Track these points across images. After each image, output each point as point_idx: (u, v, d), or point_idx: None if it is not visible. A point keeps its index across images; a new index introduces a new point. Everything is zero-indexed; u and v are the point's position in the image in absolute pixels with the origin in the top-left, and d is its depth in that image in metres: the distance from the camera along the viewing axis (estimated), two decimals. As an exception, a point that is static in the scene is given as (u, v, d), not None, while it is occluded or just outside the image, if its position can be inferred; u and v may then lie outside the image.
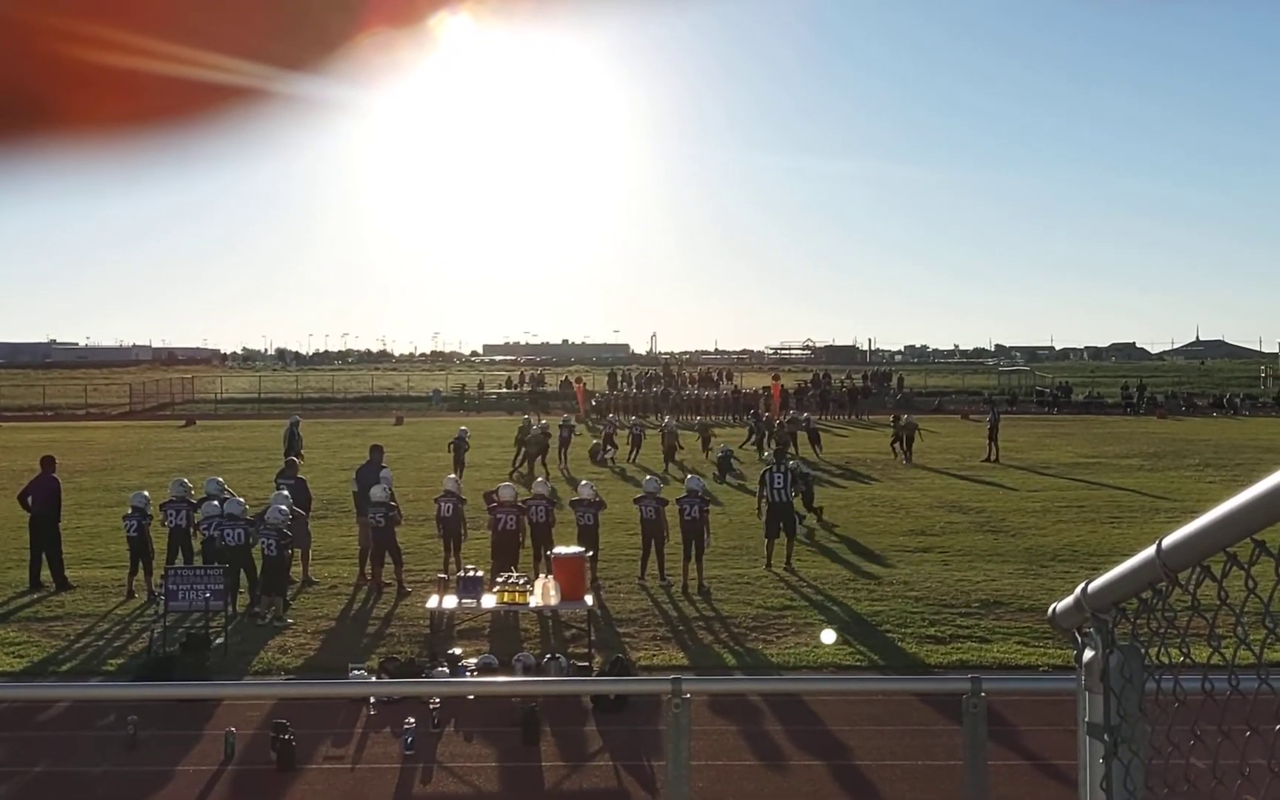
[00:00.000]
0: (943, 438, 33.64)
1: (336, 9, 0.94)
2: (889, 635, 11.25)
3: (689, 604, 12.57)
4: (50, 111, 0.91)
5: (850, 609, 12.28)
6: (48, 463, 14.30)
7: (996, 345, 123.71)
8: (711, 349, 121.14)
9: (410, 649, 10.65)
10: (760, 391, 46.63)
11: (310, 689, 9.08)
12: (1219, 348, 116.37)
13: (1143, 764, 1.92)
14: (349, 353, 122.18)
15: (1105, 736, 1.96)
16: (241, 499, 12.80)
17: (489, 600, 10.58)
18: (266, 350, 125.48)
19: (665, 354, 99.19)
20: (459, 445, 23.31)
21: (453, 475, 14.52)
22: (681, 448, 27.35)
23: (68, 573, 13.60)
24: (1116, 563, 1.85)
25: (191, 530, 13.01)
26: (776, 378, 50.62)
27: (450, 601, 10.65)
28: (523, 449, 24.98)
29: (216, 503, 12.71)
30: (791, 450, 23.74)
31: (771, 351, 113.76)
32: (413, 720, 8.21)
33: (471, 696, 9.11)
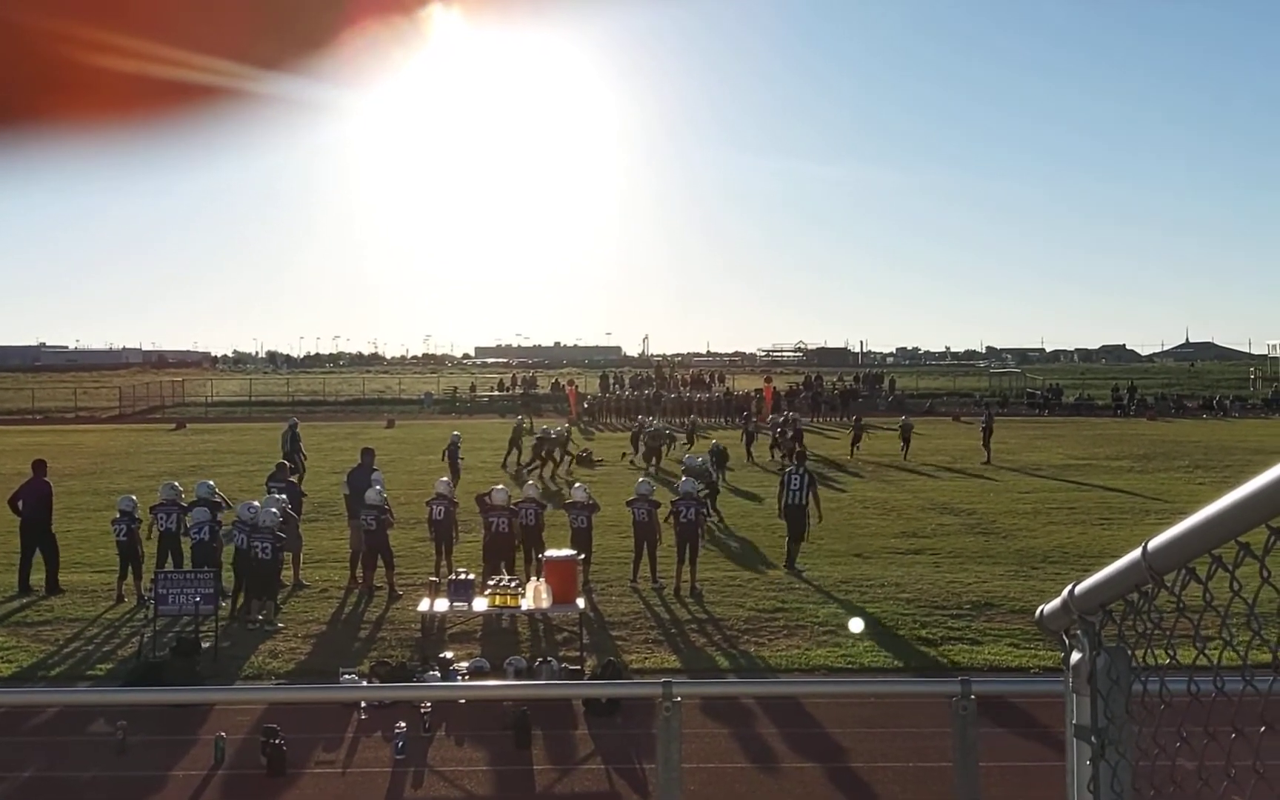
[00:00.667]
0: (934, 439, 33.73)
1: (326, 8, 0.94)
2: (880, 637, 11.27)
3: (681, 606, 12.57)
4: (39, 114, 0.90)
5: (842, 612, 12.30)
6: (39, 467, 14.22)
7: (987, 347, 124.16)
8: (704, 351, 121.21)
9: (401, 653, 10.61)
10: (752, 393, 46.70)
11: (301, 694, 9.05)
12: (1208, 350, 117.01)
13: (1130, 766, 1.92)
14: (340, 355, 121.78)
15: (1092, 738, 1.96)
16: (274, 509, 12.68)
17: (480, 603, 10.56)
18: (257, 353, 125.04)
19: (657, 356, 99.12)
20: (452, 452, 23.28)
21: (445, 478, 14.49)
22: (671, 443, 27.43)
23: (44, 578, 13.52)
24: (1107, 564, 1.85)
25: (182, 534, 12.95)
26: (768, 380, 50.75)
27: (441, 605, 10.63)
28: (541, 449, 25.17)
29: (246, 511, 12.44)
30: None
31: (763, 354, 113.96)
32: (404, 724, 8.18)
33: (463, 700, 9.09)
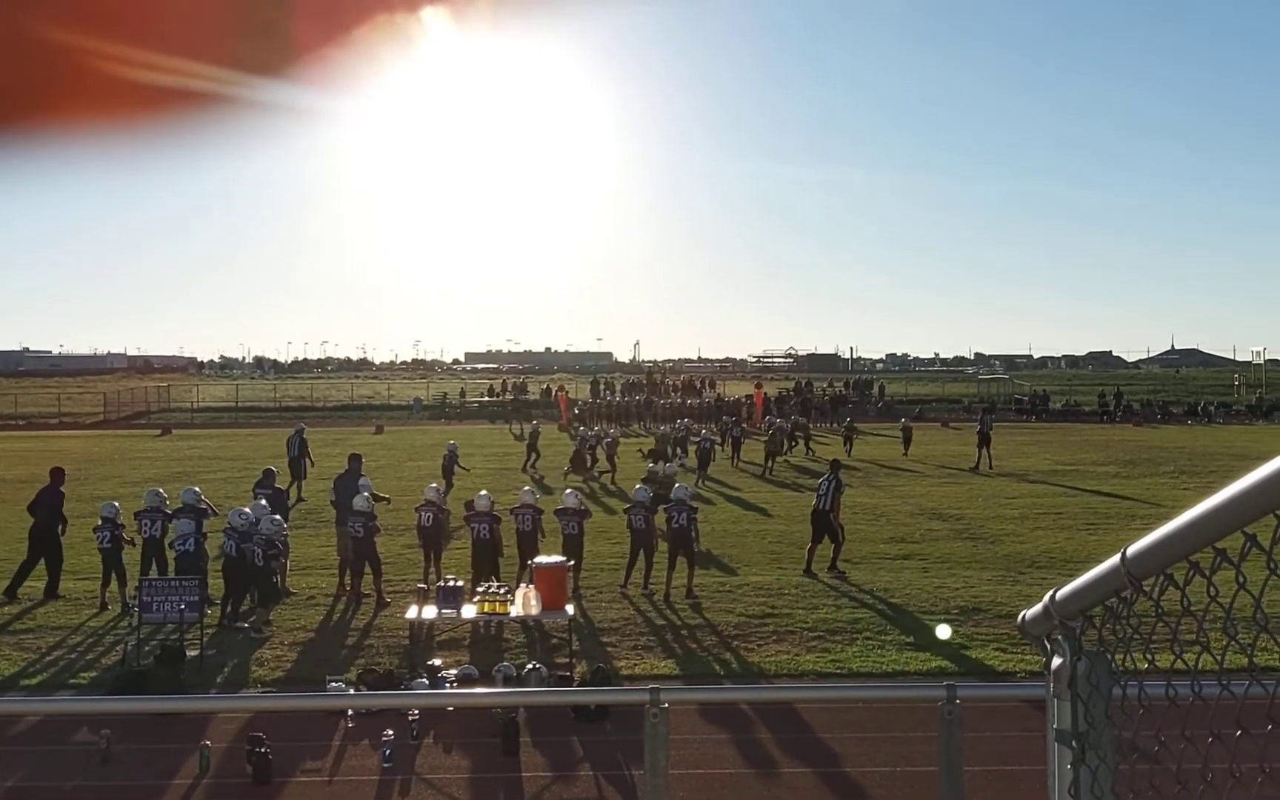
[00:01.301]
0: (923, 445, 33.84)
1: (313, 12, 0.94)
2: (869, 642, 11.29)
3: (671, 612, 12.56)
4: (22, 119, 0.90)
5: (831, 617, 12.32)
6: (56, 474, 14.34)
7: (976, 354, 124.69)
8: (695, 357, 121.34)
9: (389, 660, 10.57)
10: (743, 399, 46.80)
11: (287, 702, 8.99)
12: (1194, 356, 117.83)
13: (1110, 770, 1.94)
14: (329, 361, 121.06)
15: (1073, 742, 1.98)
16: (277, 516, 12.68)
17: (469, 610, 10.53)
18: (244, 358, 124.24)
19: (648, 362, 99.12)
20: (449, 461, 23.22)
21: (435, 484, 14.45)
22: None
23: (39, 584, 13.42)
24: (1092, 569, 1.87)
25: (167, 543, 12.86)
26: (759, 385, 50.85)
27: (430, 612, 10.59)
28: (583, 451, 25.83)
29: (237, 517, 12.37)
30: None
31: (754, 359, 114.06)
32: (391, 732, 8.14)
33: (451, 708, 9.05)
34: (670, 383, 57.36)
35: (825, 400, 49.18)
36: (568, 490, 14.70)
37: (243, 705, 9.50)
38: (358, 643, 11.45)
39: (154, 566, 12.66)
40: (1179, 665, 1.64)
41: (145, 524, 12.91)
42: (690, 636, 11.62)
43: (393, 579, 13.71)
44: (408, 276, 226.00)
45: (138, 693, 9.17)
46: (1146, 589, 1.67)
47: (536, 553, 12.58)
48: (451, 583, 10.80)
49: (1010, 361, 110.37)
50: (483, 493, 13.73)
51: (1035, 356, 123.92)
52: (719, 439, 29.84)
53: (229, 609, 12.08)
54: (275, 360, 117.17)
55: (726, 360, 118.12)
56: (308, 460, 23.35)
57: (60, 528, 13.79)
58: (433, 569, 13.33)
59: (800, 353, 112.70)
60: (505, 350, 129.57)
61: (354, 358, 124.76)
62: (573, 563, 12.44)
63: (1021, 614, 2.23)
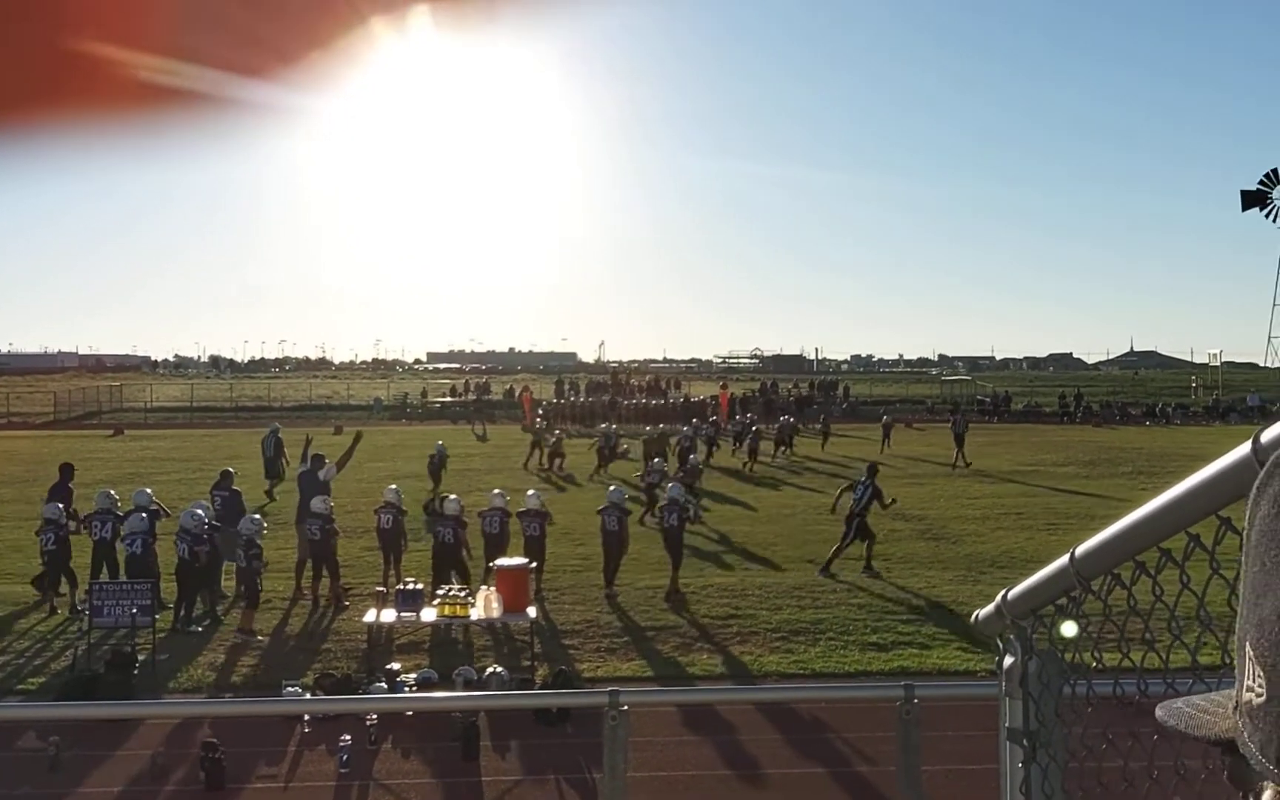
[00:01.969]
0: (894, 444, 34.13)
1: (278, 13, 0.92)
2: (832, 643, 11.37)
3: (635, 614, 12.54)
4: None
5: (794, 618, 12.38)
6: (65, 470, 14.43)
7: (940, 355, 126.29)
8: (660, 358, 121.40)
9: (347, 664, 10.42)
10: (708, 400, 46.94)
11: (242, 707, 8.82)
12: (1152, 358, 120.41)
13: (1060, 767, 1.95)
14: (286, 360, 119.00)
15: (1024, 741, 1.99)
16: (257, 516, 12.50)
17: (429, 613, 10.41)
18: (199, 357, 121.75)
19: (613, 362, 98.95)
20: (438, 461, 22.99)
21: (393, 486, 14.27)
22: (625, 452, 27.49)
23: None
24: (1042, 570, 1.88)
25: (117, 543, 12.55)
26: (724, 386, 51.04)
27: (389, 615, 10.46)
28: (604, 449, 26.19)
29: (188, 519, 12.16)
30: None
31: (720, 360, 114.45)
32: (349, 737, 8.03)
33: (410, 712, 8.94)
34: (636, 383, 57.36)
35: (790, 401, 49.45)
36: (530, 492, 14.60)
37: (196, 711, 9.32)
38: (315, 647, 11.28)
39: (105, 570, 12.36)
40: (1126, 663, 1.65)
41: (96, 526, 12.60)
42: (654, 638, 11.61)
43: (351, 582, 13.53)
44: (368, 275, 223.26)
45: (88, 698, 8.94)
46: (1095, 589, 1.68)
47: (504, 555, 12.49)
48: (411, 585, 10.69)
49: (973, 363, 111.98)
50: (452, 496, 13.66)
51: (998, 358, 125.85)
52: (703, 440, 29.99)
53: (181, 612, 11.84)
54: (231, 359, 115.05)
55: (692, 361, 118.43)
56: (284, 461, 23.04)
57: (71, 524, 13.44)
58: (392, 572, 13.18)
59: (766, 353, 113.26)
60: (468, 350, 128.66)
61: (312, 357, 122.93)
62: (535, 565, 12.37)
63: (975, 613, 2.24)
